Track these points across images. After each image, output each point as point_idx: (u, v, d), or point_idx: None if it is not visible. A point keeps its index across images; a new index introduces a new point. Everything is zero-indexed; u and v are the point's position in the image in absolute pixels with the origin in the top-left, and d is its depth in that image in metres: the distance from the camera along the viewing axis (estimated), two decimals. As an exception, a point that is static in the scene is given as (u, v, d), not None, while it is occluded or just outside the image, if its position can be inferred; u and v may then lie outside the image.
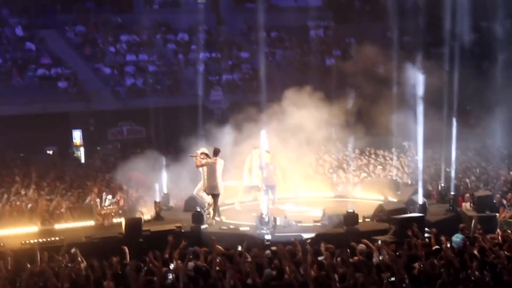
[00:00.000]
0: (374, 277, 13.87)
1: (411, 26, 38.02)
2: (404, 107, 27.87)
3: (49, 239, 19.72)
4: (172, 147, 30.03)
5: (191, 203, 23.57)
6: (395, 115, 28.59)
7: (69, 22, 42.89)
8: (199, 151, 22.79)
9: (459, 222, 20.52)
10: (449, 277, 14.04)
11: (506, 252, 15.72)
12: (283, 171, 24.97)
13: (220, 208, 22.90)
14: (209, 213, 22.40)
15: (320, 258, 15.70)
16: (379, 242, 17.46)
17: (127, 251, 16.36)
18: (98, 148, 38.80)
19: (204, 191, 22.80)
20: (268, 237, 20.05)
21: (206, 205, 22.54)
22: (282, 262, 14.92)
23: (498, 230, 18.47)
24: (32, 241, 19.22)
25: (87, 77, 39.77)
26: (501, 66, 37.55)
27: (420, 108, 23.23)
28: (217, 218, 22.34)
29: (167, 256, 16.10)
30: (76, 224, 21.96)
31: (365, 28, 45.43)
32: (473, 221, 21.08)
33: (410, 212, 21.49)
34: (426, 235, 18.57)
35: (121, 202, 24.58)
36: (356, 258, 15.48)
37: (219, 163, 22.61)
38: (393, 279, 13.89)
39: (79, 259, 16.00)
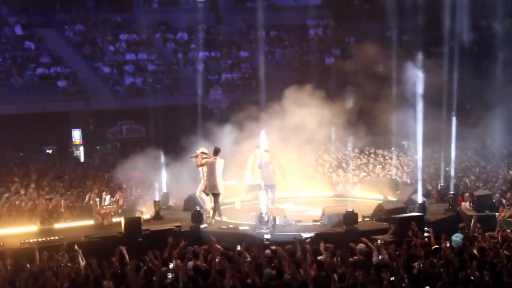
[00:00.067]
0: (374, 277, 13.87)
1: (411, 25, 38.01)
2: (403, 107, 27.87)
3: (48, 239, 19.73)
4: (172, 146, 30.03)
5: (190, 203, 23.59)
6: (394, 114, 28.58)
7: (68, 21, 42.83)
8: (198, 151, 22.80)
9: (458, 222, 20.54)
10: (449, 277, 14.04)
11: (505, 252, 15.71)
12: (282, 170, 24.97)
13: (220, 207, 22.87)
14: (208, 213, 22.41)
15: (319, 258, 15.70)
16: (379, 241, 17.47)
17: (125, 251, 16.35)
18: (98, 147, 38.80)
19: (204, 191, 22.79)
20: (267, 236, 20.05)
21: (206, 208, 22.56)
22: (282, 262, 14.92)
23: (498, 229, 18.43)
24: (31, 241, 19.25)
25: (87, 76, 39.74)
26: (500, 65, 37.54)
27: (419, 107, 23.24)
28: (217, 218, 22.34)
29: (166, 255, 16.10)
30: (76, 224, 21.97)
31: (365, 27, 45.44)
32: (473, 220, 21.09)
33: (410, 212, 21.51)
34: (425, 234, 18.56)
35: (121, 202, 24.58)
36: (355, 257, 15.48)
37: (219, 162, 22.61)
38: (392, 278, 13.89)
39: (80, 258, 16.01)
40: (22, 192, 24.86)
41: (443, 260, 14.78)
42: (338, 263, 14.90)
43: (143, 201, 24.21)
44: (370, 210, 22.34)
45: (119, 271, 14.86)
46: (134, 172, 26.68)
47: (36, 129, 35.55)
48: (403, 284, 13.76)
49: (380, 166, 29.79)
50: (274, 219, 20.87)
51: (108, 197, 24.09)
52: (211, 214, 22.44)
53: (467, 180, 27.37)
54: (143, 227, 20.75)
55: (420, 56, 25.29)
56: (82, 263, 15.73)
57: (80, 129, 38.93)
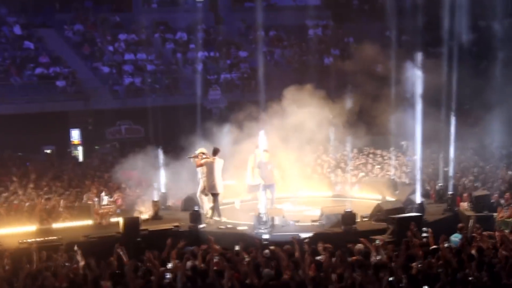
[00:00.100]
0: (372, 277, 13.86)
1: (410, 25, 37.98)
2: (402, 107, 27.85)
3: (47, 238, 19.73)
4: (171, 146, 30.01)
5: (189, 203, 23.58)
6: (393, 114, 28.57)
7: (67, 21, 42.84)
8: (197, 151, 22.79)
9: (457, 222, 20.52)
10: (447, 277, 14.04)
11: (504, 252, 15.71)
12: (281, 170, 24.95)
13: (220, 207, 22.83)
14: (207, 214, 22.42)
15: (317, 258, 15.69)
16: (377, 241, 17.46)
17: (121, 252, 16.34)
18: (97, 147, 38.76)
19: (203, 191, 22.76)
20: (266, 236, 20.05)
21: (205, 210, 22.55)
22: (280, 262, 14.92)
23: (496, 230, 18.44)
24: (30, 241, 19.25)
25: (86, 76, 39.75)
26: (499, 66, 37.51)
27: (418, 108, 23.24)
28: (216, 218, 22.32)
29: (165, 255, 16.09)
30: (74, 224, 21.97)
31: (364, 27, 45.40)
32: (471, 221, 21.08)
33: (408, 212, 21.50)
34: (423, 234, 18.56)
35: (119, 202, 24.58)
36: (354, 258, 15.47)
37: (218, 162, 22.60)
38: (391, 279, 13.89)
39: (79, 258, 15.99)
40: (20, 192, 24.84)
41: (441, 261, 14.78)
42: (337, 263, 14.89)
43: (142, 201, 24.20)
44: (369, 210, 22.35)
45: (118, 271, 14.86)
46: (133, 172, 26.68)
47: (35, 129, 35.53)
48: (402, 285, 13.76)
49: (379, 166, 29.79)
50: (273, 219, 20.88)
51: (106, 197, 24.11)
52: (209, 214, 22.43)
53: (466, 181, 27.36)
54: (142, 227, 20.76)
55: (419, 56, 25.27)
56: (81, 263, 15.71)
57: (79, 129, 38.92)
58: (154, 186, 24.43)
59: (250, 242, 17.39)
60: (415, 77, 24.26)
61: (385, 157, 30.75)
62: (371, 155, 31.50)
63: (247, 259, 15.53)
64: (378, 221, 21.53)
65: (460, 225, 19.28)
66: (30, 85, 38.26)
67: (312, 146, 29.26)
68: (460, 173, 28.38)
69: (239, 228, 21.27)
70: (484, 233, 17.99)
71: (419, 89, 23.55)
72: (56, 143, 37.80)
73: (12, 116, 35.62)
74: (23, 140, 34.80)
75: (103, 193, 24.21)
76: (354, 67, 33.66)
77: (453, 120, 25.05)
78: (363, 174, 28.95)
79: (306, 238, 18.77)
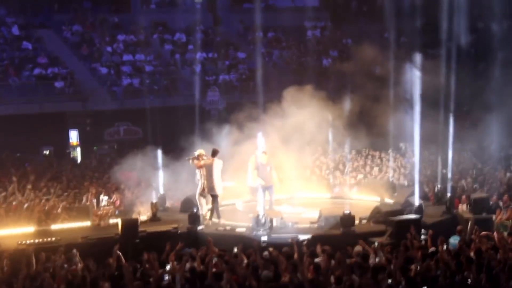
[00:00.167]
0: (370, 279, 13.87)
1: (408, 27, 38.00)
2: (400, 108, 27.87)
3: (45, 240, 19.71)
4: (169, 148, 30.00)
5: (187, 204, 23.57)
6: (391, 116, 28.58)
7: (66, 22, 42.81)
8: (196, 153, 22.76)
9: (455, 224, 20.55)
10: (446, 280, 14.05)
11: (502, 255, 15.72)
12: (279, 172, 24.92)
13: (219, 209, 22.78)
14: (206, 215, 22.40)
15: (316, 260, 15.69)
16: (376, 243, 17.46)
17: (119, 253, 16.36)
18: (95, 148, 38.77)
19: (202, 192, 22.72)
20: (264, 238, 20.04)
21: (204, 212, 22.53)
22: (279, 264, 14.92)
23: (495, 232, 18.43)
24: (28, 242, 19.23)
25: (84, 77, 39.72)
26: (498, 67, 37.53)
27: (417, 109, 23.25)
28: (215, 220, 22.29)
29: (164, 258, 16.10)
30: (73, 225, 21.94)
31: (362, 28, 45.42)
32: (470, 223, 21.08)
33: (407, 214, 21.50)
34: (422, 237, 18.57)
35: (118, 203, 24.57)
36: (352, 260, 15.47)
37: (217, 163, 22.56)
38: (389, 281, 13.89)
39: (77, 259, 15.98)
40: (18, 193, 24.81)
41: (440, 263, 14.78)
42: (335, 265, 14.89)
43: (140, 202, 24.18)
44: (367, 212, 22.32)
45: (116, 273, 14.86)
46: (131, 173, 26.66)
47: (33, 129, 35.50)
48: (400, 287, 13.76)
49: (378, 168, 29.80)
50: (271, 221, 20.85)
51: (105, 198, 24.09)
52: (208, 216, 22.41)
53: (464, 183, 27.38)
54: (140, 229, 20.71)
55: (417, 58, 25.30)
56: (80, 265, 15.70)
57: (77, 130, 38.86)
58: (153, 188, 24.40)
59: (249, 244, 17.36)
60: (414, 79, 24.27)
61: (384, 159, 30.76)
62: (369, 157, 31.50)
63: (245, 261, 15.53)
64: (376, 223, 21.51)
65: (459, 227, 19.32)
66: (28, 86, 38.20)
67: (311, 147, 29.25)
68: (459, 175, 28.40)
69: (238, 229, 21.25)
70: (483, 233, 18.04)
71: (417, 91, 23.55)
72: (54, 144, 37.78)
73: (10, 116, 35.57)
74: (21, 141, 34.76)
75: (102, 195, 24.19)
76: (352, 69, 33.68)
77: (451, 122, 25.06)
78: (361, 176, 28.96)
79: (304, 240, 18.77)
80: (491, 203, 23.41)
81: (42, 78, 38.67)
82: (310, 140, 27.22)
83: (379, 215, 21.65)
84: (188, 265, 15.13)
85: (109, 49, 42.05)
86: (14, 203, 23.67)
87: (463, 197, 24.06)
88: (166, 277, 14.77)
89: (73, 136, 38.76)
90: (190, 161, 22.85)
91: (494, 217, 22.20)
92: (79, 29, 42.80)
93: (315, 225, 21.46)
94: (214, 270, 14.56)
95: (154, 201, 23.45)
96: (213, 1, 47.46)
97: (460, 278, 14.16)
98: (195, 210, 21.72)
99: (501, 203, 23.59)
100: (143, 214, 23.00)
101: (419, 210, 22.05)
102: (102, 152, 37.82)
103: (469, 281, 14.06)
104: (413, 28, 36.64)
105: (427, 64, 26.45)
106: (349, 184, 27.17)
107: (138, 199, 24.63)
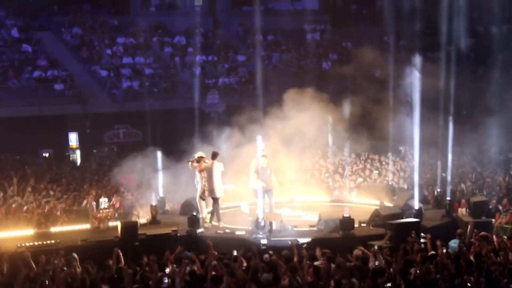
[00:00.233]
0: (370, 283, 13.87)
1: (408, 30, 38.05)
2: (400, 112, 27.88)
3: (45, 242, 19.70)
4: (169, 150, 29.99)
5: (187, 207, 23.57)
6: (391, 119, 28.59)
7: (65, 24, 42.78)
8: (196, 155, 22.74)
9: (455, 228, 20.53)
10: (445, 283, 14.05)
11: (501, 258, 15.73)
12: (279, 175, 24.88)
13: (220, 212, 22.76)
14: (206, 217, 22.38)
15: (316, 263, 15.69)
16: (375, 247, 17.46)
17: (121, 254, 16.36)
18: (94, 151, 38.76)
19: (202, 195, 22.69)
20: (264, 241, 20.03)
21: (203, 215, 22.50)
22: (278, 267, 14.91)
23: (494, 236, 18.44)
24: (28, 244, 19.22)
25: (84, 79, 39.72)
26: (497, 71, 37.57)
27: (416, 113, 23.24)
28: (215, 223, 22.27)
29: (163, 261, 16.09)
30: (72, 227, 21.93)
31: (362, 32, 45.46)
32: (469, 226, 21.09)
33: (406, 217, 21.50)
34: (421, 240, 18.57)
35: (117, 205, 24.56)
36: (351, 263, 15.47)
37: (218, 166, 22.53)
38: (389, 284, 13.89)
39: (77, 264, 15.97)
40: (18, 195, 24.80)
41: (439, 266, 14.79)
42: (335, 269, 14.89)
43: (140, 205, 24.17)
44: (367, 215, 22.32)
45: (115, 275, 14.86)
46: (131, 176, 26.65)
47: (32, 132, 35.51)
48: (400, 290, 13.79)
49: (377, 172, 29.80)
50: (271, 224, 20.84)
51: (105, 201, 24.09)
52: (208, 219, 22.40)
53: (464, 186, 27.38)
54: (140, 231, 20.70)
55: (417, 61, 25.30)
56: (78, 270, 15.68)
57: (76, 133, 38.84)
58: (152, 190, 24.39)
59: (248, 247, 17.36)
60: (413, 82, 24.27)
61: (383, 163, 30.75)
62: (369, 160, 31.50)
63: (245, 265, 15.53)
64: (376, 226, 21.50)
65: (459, 231, 19.30)
66: (28, 88, 38.20)
67: (310, 150, 29.24)
68: (458, 178, 28.39)
69: (237, 233, 21.24)
70: (481, 233, 18.08)
71: (416, 94, 23.55)
72: (54, 146, 37.78)
73: (10, 119, 35.58)
74: (21, 143, 34.77)
75: (101, 197, 24.18)
76: (352, 72, 33.69)
77: (451, 126, 25.07)
78: (361, 179, 28.95)
79: (304, 243, 18.77)
80: (490, 206, 23.41)
81: (41, 80, 38.68)
82: (310, 143, 27.22)
83: (379, 219, 21.65)
84: (187, 268, 15.13)
85: (108, 51, 42.05)
86: (13, 205, 23.66)
87: (463, 200, 24.05)
88: (166, 280, 14.77)
89: (73, 138, 38.74)
90: (190, 163, 22.85)
91: (493, 221, 22.21)
92: (79, 31, 42.79)
93: (315, 229, 21.46)
94: (213, 273, 14.56)
95: (154, 203, 23.44)
96: (212, 4, 47.46)
97: (459, 281, 14.17)
98: (194, 213, 21.70)
99: (500, 207, 23.57)
100: (142, 217, 22.99)
101: (418, 213, 22.04)
102: (102, 155, 37.80)
103: (469, 284, 14.06)
104: (413, 31, 36.70)
105: (427, 67, 26.44)
106: (348, 188, 27.16)
107: (137, 202, 24.63)
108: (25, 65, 39.15)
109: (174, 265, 15.24)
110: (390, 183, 27.61)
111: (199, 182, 22.61)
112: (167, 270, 15.44)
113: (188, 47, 43.86)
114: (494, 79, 36.67)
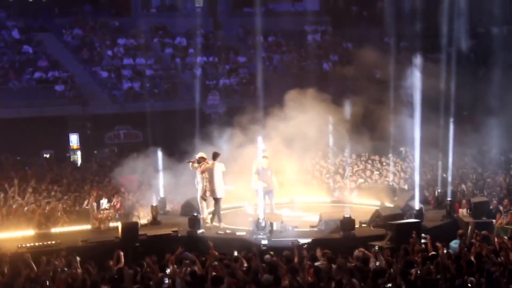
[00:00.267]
0: (371, 283, 13.87)
1: (409, 31, 38.06)
2: (401, 113, 27.87)
3: (45, 243, 19.70)
4: (169, 151, 30.00)
5: (188, 208, 23.57)
6: (392, 120, 28.59)
7: (66, 25, 42.84)
8: (197, 156, 22.75)
9: (455, 228, 20.53)
10: (446, 283, 14.06)
11: (502, 259, 15.73)
12: (279, 176, 24.90)
13: (221, 213, 22.74)
14: (207, 218, 22.38)
15: (316, 264, 15.69)
16: (376, 247, 17.46)
17: (122, 254, 16.37)
18: (95, 152, 38.76)
19: (202, 196, 22.69)
20: (264, 242, 20.03)
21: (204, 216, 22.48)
22: (279, 268, 14.92)
23: (495, 237, 18.45)
24: (28, 245, 19.23)
25: (84, 80, 39.73)
26: (498, 72, 37.57)
27: (417, 114, 23.23)
28: (216, 224, 22.26)
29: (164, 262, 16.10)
30: (73, 228, 21.94)
31: (363, 33, 45.45)
32: (470, 227, 21.09)
33: (407, 218, 21.49)
34: (422, 241, 18.57)
35: (118, 206, 24.56)
36: (352, 264, 15.47)
37: (218, 166, 22.54)
38: (389, 285, 13.89)
39: (77, 265, 15.97)
40: (18, 196, 24.80)
41: (440, 267, 14.79)
42: (335, 269, 14.89)
43: (141, 206, 24.17)
44: (367, 216, 22.31)
45: (116, 276, 14.86)
46: (132, 177, 26.65)
47: (33, 133, 35.53)
48: (400, 291, 13.79)
49: (378, 172, 29.79)
50: (271, 224, 20.84)
51: (105, 201, 24.09)
52: (209, 219, 22.39)
53: (465, 187, 27.37)
54: (140, 232, 20.70)
55: (418, 62, 25.30)
56: (79, 270, 15.69)
57: (77, 134, 38.86)
58: (153, 191, 24.39)
59: (249, 248, 17.36)
60: (414, 83, 24.27)
61: (384, 163, 30.74)
62: (370, 161, 31.48)
63: (246, 265, 15.53)
64: (376, 227, 21.50)
65: (460, 231, 19.30)
66: (28, 89, 38.23)
67: (311, 151, 29.22)
68: (459, 179, 28.38)
69: (238, 233, 21.23)
70: (482, 232, 18.09)
71: (417, 95, 23.54)
72: (54, 147, 37.78)
73: (10, 120, 35.61)
74: (21, 144, 34.78)
75: (102, 198, 24.18)
76: (352, 73, 33.69)
77: (451, 126, 25.06)
78: (362, 180, 28.94)
79: (304, 243, 18.77)
80: (491, 207, 23.42)
81: (42, 81, 38.71)
82: (311, 144, 27.20)
83: (379, 219, 21.65)
84: (188, 269, 15.13)
85: (109, 52, 42.07)
86: (14, 206, 23.67)
87: (464, 201, 24.04)
88: (166, 281, 14.77)
89: (74, 139, 38.76)
90: (190, 164, 22.86)
91: (494, 221, 22.21)
92: (80, 32, 42.82)
93: (315, 229, 21.46)
94: (214, 274, 14.56)
95: (155, 204, 23.45)
96: (213, 5, 47.49)
97: (460, 282, 14.17)
98: (195, 214, 21.70)
99: (501, 208, 23.58)
100: (143, 217, 22.99)
101: (419, 214, 22.04)
102: (103, 156, 37.80)
103: (469, 285, 14.06)
104: (414, 32, 36.70)
105: (427, 68, 26.43)
106: (349, 188, 27.14)
107: (138, 203, 24.63)
108: (26, 66, 39.19)
109: (175, 266, 15.25)
110: (391, 183, 27.59)
111: (199, 182, 22.63)
112: (168, 271, 15.45)
113: (189, 48, 43.86)
114: (494, 80, 36.67)
